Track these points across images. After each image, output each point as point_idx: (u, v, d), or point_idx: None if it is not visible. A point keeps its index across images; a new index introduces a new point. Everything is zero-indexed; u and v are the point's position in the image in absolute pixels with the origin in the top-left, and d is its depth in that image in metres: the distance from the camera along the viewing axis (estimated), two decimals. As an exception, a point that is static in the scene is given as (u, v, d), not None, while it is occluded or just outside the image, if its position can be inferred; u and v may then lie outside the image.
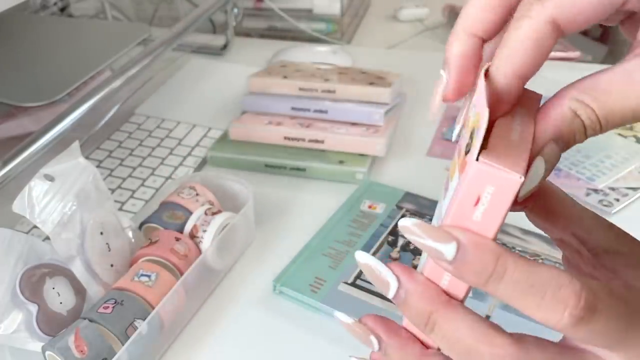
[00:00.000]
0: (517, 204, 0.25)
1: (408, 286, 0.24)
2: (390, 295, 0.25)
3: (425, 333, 0.25)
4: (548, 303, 0.22)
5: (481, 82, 0.23)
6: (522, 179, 0.21)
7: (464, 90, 0.27)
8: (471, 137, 0.22)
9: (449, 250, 0.22)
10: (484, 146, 0.21)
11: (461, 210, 0.22)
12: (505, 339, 0.23)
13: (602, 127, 0.24)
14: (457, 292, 0.24)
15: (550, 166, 0.24)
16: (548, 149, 0.23)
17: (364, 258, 0.25)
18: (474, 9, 0.26)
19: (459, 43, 0.26)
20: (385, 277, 0.25)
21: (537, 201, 0.28)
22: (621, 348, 0.23)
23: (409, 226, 0.23)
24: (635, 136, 0.72)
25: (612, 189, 0.64)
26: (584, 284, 0.22)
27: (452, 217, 0.22)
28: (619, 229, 0.28)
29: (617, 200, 0.62)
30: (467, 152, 0.22)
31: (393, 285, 0.25)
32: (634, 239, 0.28)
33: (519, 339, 0.24)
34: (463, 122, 0.26)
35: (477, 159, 0.21)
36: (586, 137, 0.24)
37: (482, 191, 0.21)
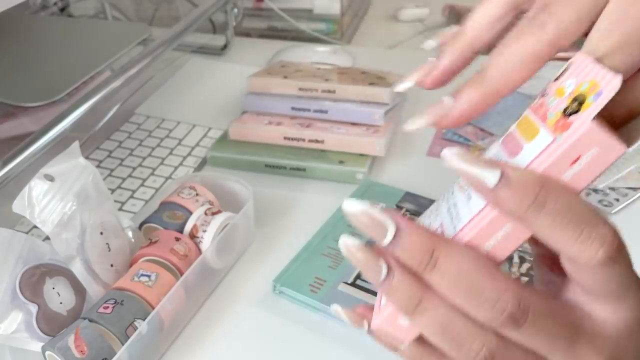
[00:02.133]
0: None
1: (406, 227, 0.24)
2: (388, 239, 0.24)
3: (425, 274, 0.24)
4: (585, 238, 0.22)
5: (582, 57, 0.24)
6: (626, 149, 0.21)
7: (440, 84, 0.29)
8: (575, 101, 0.22)
9: (492, 176, 0.22)
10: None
11: (556, 166, 0.22)
12: (508, 276, 0.24)
13: None
14: (499, 254, 0.24)
15: None
16: None
17: (354, 206, 0.24)
18: (478, 30, 0.28)
19: (458, 51, 0.28)
20: (381, 220, 0.24)
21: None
22: (613, 303, 0.24)
23: (454, 154, 0.23)
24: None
25: (612, 189, 0.64)
26: (617, 233, 0.23)
27: (550, 166, 0.22)
28: None
29: (617, 200, 0.62)
30: (566, 114, 0.22)
31: (391, 228, 0.24)
32: None
33: (520, 282, 0.24)
34: (548, 89, 0.26)
35: (593, 119, 0.21)
36: None
37: (586, 151, 0.22)
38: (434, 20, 1.09)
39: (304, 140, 0.68)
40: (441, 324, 0.24)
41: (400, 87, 0.29)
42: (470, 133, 0.73)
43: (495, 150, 0.27)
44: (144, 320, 0.45)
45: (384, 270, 0.24)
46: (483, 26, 0.28)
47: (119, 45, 0.76)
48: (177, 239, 0.51)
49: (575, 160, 0.22)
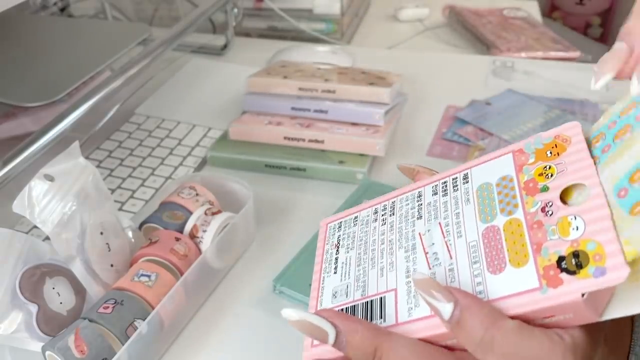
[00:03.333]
0: None
1: (346, 329, 0.25)
2: (330, 341, 0.25)
3: None
4: None
5: None
6: (598, 319, 0.22)
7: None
8: (574, 257, 0.22)
9: (446, 311, 0.23)
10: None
11: (530, 315, 0.23)
12: (446, 356, 0.24)
13: None
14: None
15: None
16: None
17: (293, 315, 0.25)
18: None
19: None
20: (321, 326, 0.25)
21: None
22: None
23: (418, 279, 0.24)
24: (635, 136, 0.72)
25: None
26: (575, 354, 0.22)
27: (515, 314, 0.23)
28: None
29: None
30: (560, 267, 0.22)
31: (331, 333, 0.25)
32: None
33: (460, 355, 0.24)
34: (553, 202, 0.25)
35: (582, 295, 0.21)
36: None
37: (562, 314, 0.22)
38: (434, 20, 1.09)
39: (304, 140, 0.68)
40: None
41: (599, 84, 0.29)
42: (470, 133, 0.73)
43: (475, 236, 0.26)
44: (144, 320, 0.45)
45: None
46: None
47: (119, 45, 0.76)
48: (177, 239, 0.51)
49: (548, 317, 0.22)
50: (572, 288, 0.22)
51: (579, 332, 0.23)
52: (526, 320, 0.23)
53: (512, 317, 0.23)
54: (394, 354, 0.24)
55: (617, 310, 0.22)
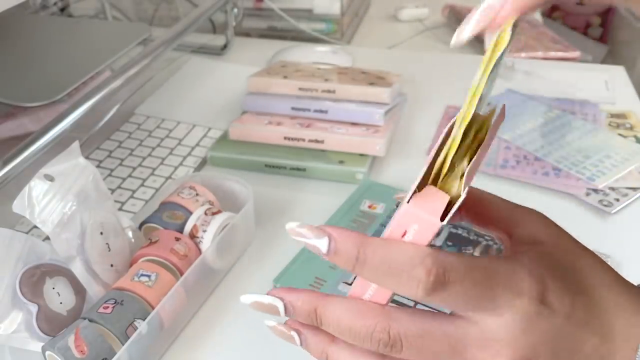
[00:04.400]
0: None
1: (290, 299, 0.29)
2: (281, 314, 0.29)
3: (319, 326, 0.29)
4: (404, 282, 0.25)
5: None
6: (441, 223, 0.25)
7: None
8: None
9: (323, 243, 0.27)
10: (424, 182, 0.27)
11: (392, 233, 0.27)
12: (376, 311, 0.27)
13: None
14: (380, 300, 0.28)
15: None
16: None
17: (246, 299, 0.30)
18: None
19: None
20: (271, 302, 0.30)
21: (468, 210, 0.32)
22: (486, 309, 0.26)
23: (293, 228, 0.27)
24: (635, 136, 0.72)
25: (612, 189, 0.64)
26: (437, 259, 0.25)
27: (385, 234, 0.27)
28: (547, 220, 0.31)
29: (617, 200, 0.62)
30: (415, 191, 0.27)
31: (280, 305, 0.29)
32: (559, 231, 0.30)
33: (389, 309, 0.27)
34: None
35: (408, 202, 0.26)
36: None
37: (409, 227, 0.26)
38: (434, 20, 1.09)
39: (304, 140, 0.68)
40: None
41: (465, 34, 0.29)
42: (470, 133, 0.73)
43: None
44: (144, 320, 0.45)
45: (296, 337, 0.31)
46: None
47: (119, 45, 0.76)
48: (177, 239, 0.51)
49: (404, 234, 0.26)
50: (404, 200, 0.26)
51: (453, 253, 0.26)
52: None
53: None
54: (330, 313, 0.28)
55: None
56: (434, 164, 0.27)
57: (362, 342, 0.27)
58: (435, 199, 0.26)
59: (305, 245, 0.27)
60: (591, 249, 0.30)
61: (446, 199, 0.26)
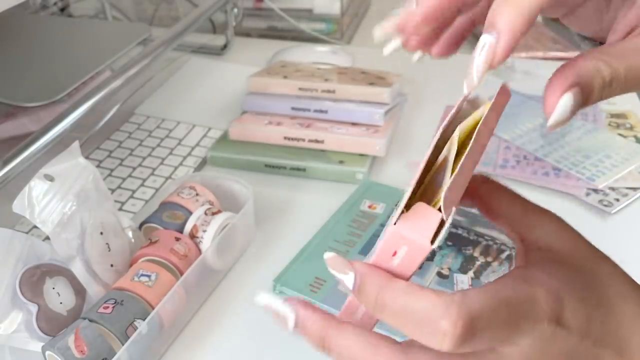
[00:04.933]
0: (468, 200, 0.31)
1: (303, 316, 0.27)
2: (290, 327, 0.28)
3: (325, 354, 0.27)
4: (428, 333, 0.24)
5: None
6: (431, 247, 0.24)
7: (425, 34, 0.29)
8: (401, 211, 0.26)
9: (349, 278, 0.26)
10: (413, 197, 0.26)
11: (382, 257, 0.26)
12: (391, 346, 0.26)
13: (621, 81, 0.26)
14: (369, 321, 0.28)
15: (576, 107, 0.25)
16: (573, 90, 0.25)
17: (261, 300, 0.28)
18: None
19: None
20: (283, 312, 0.28)
21: (481, 200, 0.31)
22: (508, 344, 0.25)
23: (327, 258, 0.26)
24: (635, 136, 0.72)
25: (612, 189, 0.64)
26: (462, 308, 0.23)
27: (375, 259, 0.26)
28: (563, 224, 0.30)
29: (617, 200, 0.62)
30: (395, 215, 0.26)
31: (291, 319, 0.28)
32: (575, 236, 0.29)
33: (405, 345, 0.26)
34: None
35: (395, 224, 0.25)
36: (604, 90, 0.26)
37: (398, 248, 0.25)
38: (434, 20, 1.09)
39: (304, 140, 0.68)
40: None
41: (387, 50, 0.30)
42: (470, 133, 0.73)
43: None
44: (144, 320, 0.45)
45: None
46: None
47: (119, 45, 0.76)
48: (177, 239, 0.51)
49: (394, 254, 0.25)
50: (390, 222, 0.25)
51: (473, 291, 0.25)
52: (386, 266, 0.26)
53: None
54: (341, 342, 0.27)
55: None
56: (424, 176, 0.27)
57: (414, 330, 0.26)
58: (426, 219, 0.25)
59: (335, 277, 0.26)
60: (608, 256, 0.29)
61: (437, 217, 0.25)
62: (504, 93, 0.29)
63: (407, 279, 0.26)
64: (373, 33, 0.29)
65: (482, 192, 0.31)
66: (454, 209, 0.25)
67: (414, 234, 0.25)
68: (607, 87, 0.26)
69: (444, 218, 0.24)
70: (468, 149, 0.26)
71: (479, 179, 0.31)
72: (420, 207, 0.25)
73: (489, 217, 0.32)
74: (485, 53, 0.26)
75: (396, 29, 0.29)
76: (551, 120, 0.25)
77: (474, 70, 0.26)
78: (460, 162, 0.25)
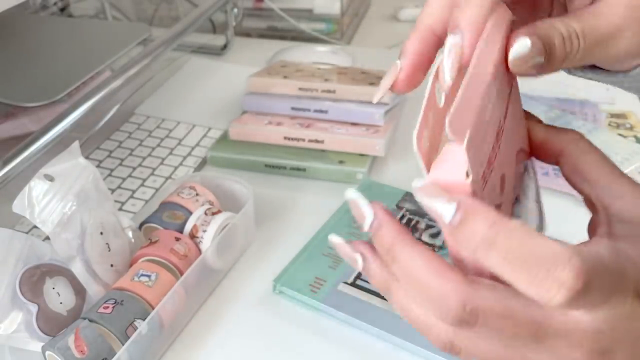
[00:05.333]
0: (548, 160, 0.30)
1: (379, 221, 0.26)
2: (366, 226, 0.27)
3: (389, 264, 0.26)
4: (542, 281, 0.22)
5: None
6: (467, 180, 0.23)
7: (412, 83, 0.29)
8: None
9: (449, 210, 0.23)
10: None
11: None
12: (457, 275, 0.24)
13: (580, 37, 0.26)
14: None
15: (538, 53, 0.26)
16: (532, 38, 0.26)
17: (349, 195, 0.27)
18: (434, 7, 0.28)
19: (418, 39, 0.29)
20: (364, 211, 0.26)
21: (569, 159, 0.29)
22: (585, 312, 0.24)
23: (418, 188, 0.24)
24: (635, 136, 0.72)
25: (612, 189, 0.64)
26: (585, 262, 0.22)
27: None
28: None
29: (617, 200, 0.62)
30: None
31: (369, 218, 0.26)
32: None
33: (472, 278, 0.24)
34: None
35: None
36: (565, 45, 0.26)
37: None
38: (434, 20, 1.09)
39: (304, 140, 0.68)
40: (402, 309, 0.27)
41: (376, 98, 0.30)
42: (470, 133, 0.73)
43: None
44: (144, 320, 0.45)
45: (359, 260, 0.27)
46: (436, 7, 0.28)
47: (119, 45, 0.76)
48: (177, 239, 0.51)
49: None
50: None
51: (586, 249, 0.23)
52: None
53: None
54: (405, 258, 0.25)
55: None
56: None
57: (428, 303, 0.25)
58: (449, 161, 0.24)
59: (426, 208, 0.24)
60: None
61: (460, 150, 0.23)
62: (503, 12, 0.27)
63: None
64: (373, 100, 0.31)
65: (571, 151, 0.29)
66: (468, 131, 0.23)
67: (448, 181, 0.23)
68: (568, 41, 0.26)
69: (461, 145, 0.23)
70: (469, 68, 0.25)
71: (570, 136, 0.30)
72: (440, 154, 0.25)
73: (572, 180, 0.30)
74: (454, 53, 0.26)
75: (390, 89, 0.30)
76: (510, 56, 0.26)
77: (445, 70, 0.26)
78: (464, 84, 0.24)
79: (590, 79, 0.33)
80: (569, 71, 0.32)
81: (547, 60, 0.26)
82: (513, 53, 0.26)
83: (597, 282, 0.22)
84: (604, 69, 0.31)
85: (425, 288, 0.24)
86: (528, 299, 0.23)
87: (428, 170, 0.25)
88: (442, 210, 0.23)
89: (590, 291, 0.22)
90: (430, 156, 0.26)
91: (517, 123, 0.30)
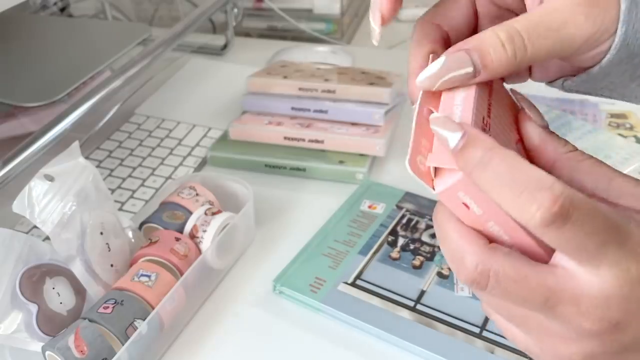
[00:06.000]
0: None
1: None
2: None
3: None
4: (523, 200, 0.23)
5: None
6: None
7: (396, 8, 0.32)
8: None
9: (454, 137, 0.25)
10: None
11: (465, 218, 0.26)
12: (478, 239, 0.26)
13: (524, 41, 0.27)
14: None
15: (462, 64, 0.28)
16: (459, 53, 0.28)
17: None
18: None
19: None
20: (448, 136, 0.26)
21: (560, 171, 0.29)
22: (591, 263, 0.24)
23: (431, 118, 0.26)
24: (635, 136, 0.72)
25: (612, 189, 0.64)
26: (567, 191, 0.23)
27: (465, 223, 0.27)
28: None
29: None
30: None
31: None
32: None
33: (492, 245, 0.26)
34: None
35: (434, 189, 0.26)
36: (507, 51, 0.27)
37: (460, 199, 0.26)
38: (434, 20, 1.09)
39: (304, 140, 0.68)
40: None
41: (376, 41, 0.33)
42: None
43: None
44: (144, 320, 0.45)
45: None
46: None
47: (119, 45, 0.76)
48: (177, 239, 0.51)
49: (466, 205, 0.26)
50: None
51: (579, 193, 0.24)
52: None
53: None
54: (439, 216, 0.28)
55: None
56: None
57: (450, 261, 0.26)
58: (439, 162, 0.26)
59: (436, 135, 0.26)
60: None
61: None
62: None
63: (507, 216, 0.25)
64: (374, 42, 0.32)
65: (563, 163, 0.29)
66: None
67: (447, 178, 0.25)
68: (509, 43, 0.27)
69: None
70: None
71: (563, 147, 0.30)
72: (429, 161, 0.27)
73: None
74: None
75: (381, 22, 0.32)
76: (419, 77, 0.29)
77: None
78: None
79: (589, 93, 0.33)
80: (563, 87, 0.33)
81: (484, 67, 0.27)
82: (422, 73, 0.29)
83: (579, 216, 0.23)
84: (583, 72, 0.31)
85: (448, 244, 0.26)
86: (541, 266, 0.25)
87: (432, 185, 0.27)
88: (448, 136, 0.25)
89: (568, 222, 0.23)
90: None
91: (505, 118, 0.30)
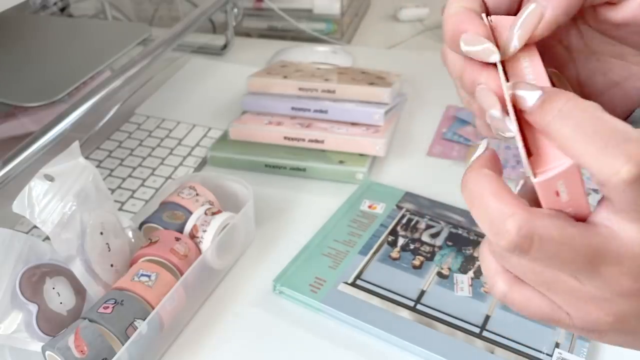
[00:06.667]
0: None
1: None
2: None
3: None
4: (610, 152, 0.21)
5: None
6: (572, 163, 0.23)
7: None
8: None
9: (534, 95, 0.24)
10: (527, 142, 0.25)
11: (550, 204, 0.25)
12: (517, 201, 0.24)
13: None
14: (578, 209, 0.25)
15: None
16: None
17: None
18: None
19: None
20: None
21: None
22: (628, 221, 0.23)
23: (510, 83, 0.25)
24: (635, 136, 0.72)
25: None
26: (529, 222, 0.23)
27: (545, 207, 0.25)
28: None
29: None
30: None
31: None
32: None
33: (532, 208, 0.24)
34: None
35: (534, 176, 0.24)
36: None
37: (556, 187, 0.24)
38: (434, 20, 1.09)
39: (304, 140, 0.68)
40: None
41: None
42: (470, 133, 0.73)
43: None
44: (144, 320, 0.45)
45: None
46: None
47: (119, 45, 0.76)
48: (177, 239, 0.51)
49: (558, 193, 0.25)
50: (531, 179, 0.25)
51: (547, 218, 0.24)
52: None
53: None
54: (468, 179, 0.26)
55: None
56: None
57: (485, 226, 0.25)
58: (547, 149, 0.24)
59: (516, 97, 0.25)
60: None
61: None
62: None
63: (587, 202, 0.24)
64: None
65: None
66: None
67: (555, 168, 0.24)
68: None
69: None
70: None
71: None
72: (538, 144, 0.25)
73: None
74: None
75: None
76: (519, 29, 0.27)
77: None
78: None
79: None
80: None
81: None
82: (520, 25, 0.27)
83: (546, 245, 0.23)
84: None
85: (484, 210, 0.25)
86: (584, 225, 0.24)
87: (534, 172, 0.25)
88: (527, 95, 0.24)
89: (533, 250, 0.23)
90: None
91: None
